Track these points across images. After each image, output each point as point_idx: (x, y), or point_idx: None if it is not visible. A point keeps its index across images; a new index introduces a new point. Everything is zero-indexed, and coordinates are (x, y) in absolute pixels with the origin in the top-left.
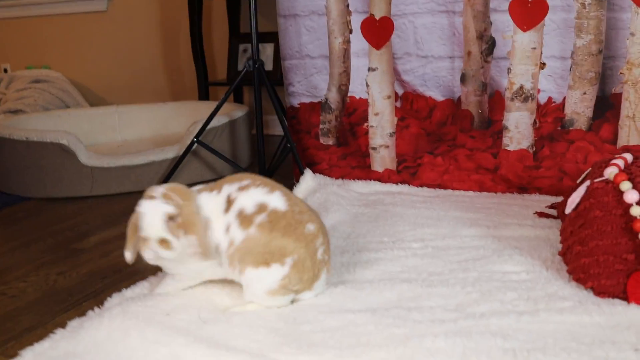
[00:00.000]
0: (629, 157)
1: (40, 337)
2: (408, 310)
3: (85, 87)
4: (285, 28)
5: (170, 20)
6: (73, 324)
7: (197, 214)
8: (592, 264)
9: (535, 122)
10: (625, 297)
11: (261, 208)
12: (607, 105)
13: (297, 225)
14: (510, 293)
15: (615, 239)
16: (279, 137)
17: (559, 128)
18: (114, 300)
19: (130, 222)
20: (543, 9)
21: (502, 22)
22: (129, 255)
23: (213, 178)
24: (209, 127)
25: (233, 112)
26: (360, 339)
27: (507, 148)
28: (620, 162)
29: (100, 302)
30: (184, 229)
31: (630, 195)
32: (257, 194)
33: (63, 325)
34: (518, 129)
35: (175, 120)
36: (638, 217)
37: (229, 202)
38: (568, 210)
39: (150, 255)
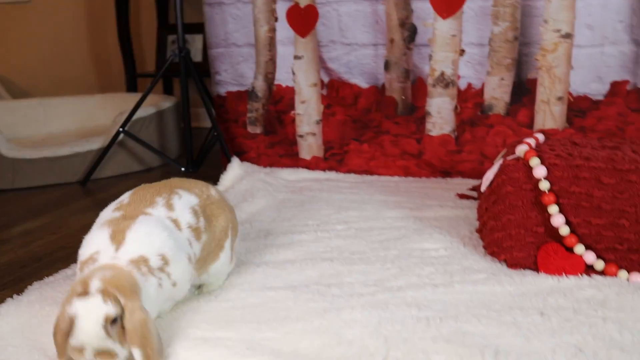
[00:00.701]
0: (541, 137)
1: None
2: (328, 286)
3: (8, 80)
4: (211, 16)
5: (97, 11)
6: None
7: (147, 318)
8: (505, 237)
9: (456, 107)
10: (535, 267)
11: (195, 213)
12: (523, 91)
13: (211, 201)
14: (427, 268)
15: (525, 213)
16: (208, 129)
17: (479, 113)
18: (34, 287)
19: (55, 325)
20: None
21: (423, 10)
22: None
23: (141, 169)
24: (136, 117)
25: (161, 102)
26: (279, 313)
27: (430, 133)
28: (532, 141)
29: (19, 291)
30: (129, 337)
31: (539, 171)
32: (183, 203)
33: None
34: (440, 115)
35: (102, 113)
36: (546, 192)
37: (175, 222)
38: (483, 187)
39: None
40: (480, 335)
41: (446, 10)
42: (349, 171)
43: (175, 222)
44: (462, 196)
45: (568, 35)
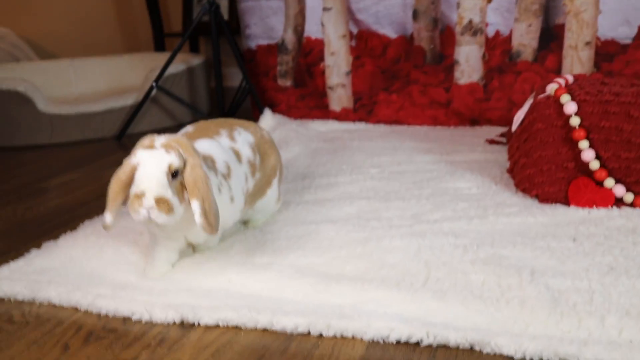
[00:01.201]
0: (570, 77)
1: (14, 258)
2: (367, 220)
3: (36, 44)
4: None
5: None
6: (48, 244)
7: (205, 173)
8: (536, 173)
9: (484, 55)
10: (566, 202)
11: (253, 149)
12: (551, 37)
13: (264, 140)
14: (461, 203)
15: (556, 149)
16: (238, 85)
17: (507, 60)
18: (86, 225)
19: (115, 176)
20: None
21: None
22: (109, 218)
23: (173, 125)
24: (167, 74)
25: (190, 60)
26: (323, 242)
27: (459, 82)
28: (562, 81)
29: (72, 228)
30: (188, 190)
31: (570, 107)
32: (243, 139)
33: (38, 247)
34: (468, 63)
35: (133, 72)
36: (577, 127)
37: (237, 154)
38: (514, 127)
39: (143, 216)
40: (516, 258)
41: None
42: (378, 122)
43: (237, 153)
44: (492, 141)
45: None
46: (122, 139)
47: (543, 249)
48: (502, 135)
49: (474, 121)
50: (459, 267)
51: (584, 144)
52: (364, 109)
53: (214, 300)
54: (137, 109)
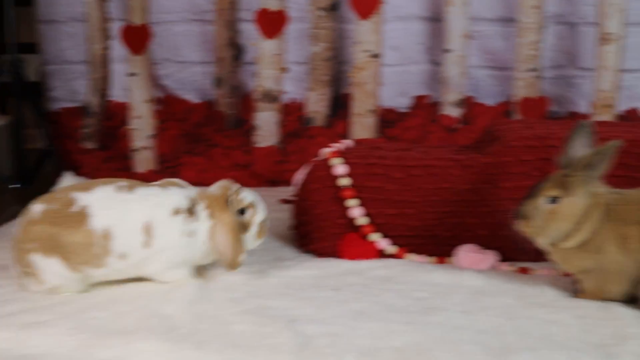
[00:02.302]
0: (350, 143)
1: None
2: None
3: None
4: (45, 34)
5: None
6: None
7: None
8: (312, 230)
9: (281, 120)
10: (338, 255)
11: None
12: (340, 105)
13: None
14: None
15: (329, 207)
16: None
17: (302, 125)
18: None
19: (233, 230)
20: (283, 19)
21: (250, 31)
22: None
23: None
24: None
25: None
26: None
27: (258, 145)
28: (339, 145)
29: None
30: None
31: (339, 169)
32: None
33: None
34: (266, 127)
35: None
36: (345, 187)
37: None
38: (295, 188)
39: None
40: (280, 308)
41: (270, 31)
42: None
43: None
44: (284, 201)
45: (376, 56)
46: None
47: (305, 299)
48: (295, 195)
49: (272, 182)
50: (226, 318)
51: (351, 202)
52: (168, 170)
53: None
54: None
